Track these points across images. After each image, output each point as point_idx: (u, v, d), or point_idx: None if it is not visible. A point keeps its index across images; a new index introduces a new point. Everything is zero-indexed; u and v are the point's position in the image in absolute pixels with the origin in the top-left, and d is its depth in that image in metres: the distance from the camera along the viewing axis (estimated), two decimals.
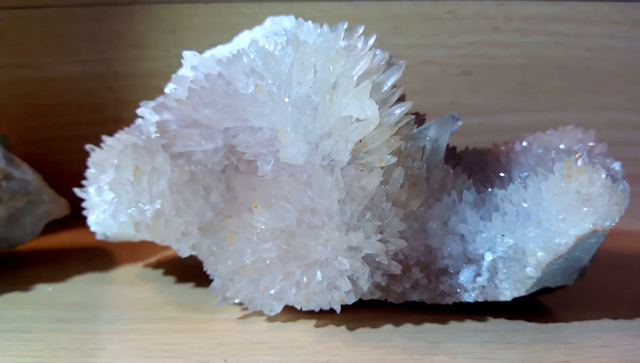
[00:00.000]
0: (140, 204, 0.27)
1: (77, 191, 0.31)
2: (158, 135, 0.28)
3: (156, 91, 0.45)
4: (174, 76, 0.28)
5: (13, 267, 0.34)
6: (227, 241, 0.26)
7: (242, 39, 0.30)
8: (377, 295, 0.27)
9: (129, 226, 0.28)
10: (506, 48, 0.46)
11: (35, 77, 0.45)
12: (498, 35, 0.46)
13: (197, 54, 0.29)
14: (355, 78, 0.24)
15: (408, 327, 0.25)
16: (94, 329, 0.25)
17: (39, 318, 0.26)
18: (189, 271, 0.33)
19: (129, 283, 0.31)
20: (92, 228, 0.29)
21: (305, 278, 0.24)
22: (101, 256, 0.37)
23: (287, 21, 0.30)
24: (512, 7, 0.46)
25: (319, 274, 0.24)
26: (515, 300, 0.25)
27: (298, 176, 0.24)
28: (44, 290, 0.30)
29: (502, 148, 0.32)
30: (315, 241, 0.24)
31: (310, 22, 0.27)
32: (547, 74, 0.47)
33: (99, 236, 0.31)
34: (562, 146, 0.29)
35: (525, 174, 0.27)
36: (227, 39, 0.44)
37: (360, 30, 0.26)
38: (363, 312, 0.26)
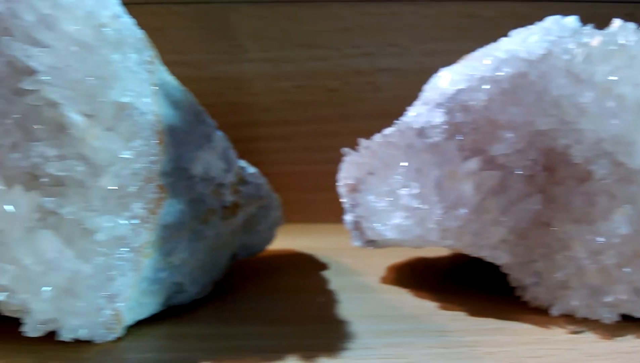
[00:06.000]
0: (448, 210, 0.26)
1: (346, 195, 0.30)
2: (445, 137, 0.27)
3: (326, 92, 0.44)
4: (469, 75, 0.28)
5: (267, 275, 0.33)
6: (560, 249, 0.25)
7: (518, 39, 0.30)
8: None
9: (435, 232, 0.27)
10: None
11: (198, 76, 0.43)
12: None
13: (501, 50, 0.28)
14: None
15: None
16: (432, 343, 0.24)
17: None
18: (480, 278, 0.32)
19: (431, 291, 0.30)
20: (389, 234, 0.28)
21: None
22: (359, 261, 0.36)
23: (570, 22, 0.29)
24: None
25: None
26: None
27: None
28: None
29: None
30: None
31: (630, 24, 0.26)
32: None
33: (361, 244, 0.30)
34: None
35: None
36: (402, 38, 0.43)
37: None
38: None
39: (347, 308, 0.28)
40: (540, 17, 0.34)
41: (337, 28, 0.43)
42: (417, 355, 0.23)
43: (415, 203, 0.27)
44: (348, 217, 0.31)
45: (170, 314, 0.27)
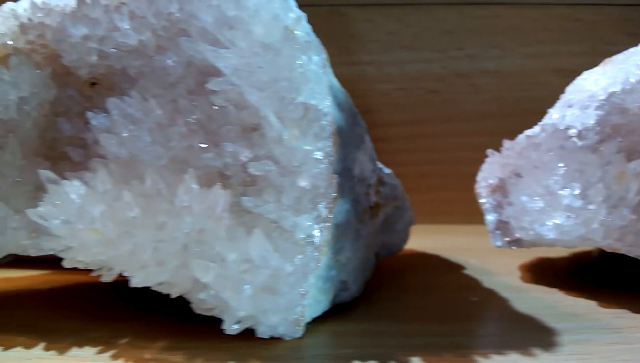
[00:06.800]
0: (612, 210, 0.27)
1: (488, 195, 0.30)
2: (600, 139, 0.28)
3: (427, 94, 0.45)
4: (623, 78, 0.28)
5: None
6: None
7: None
8: None
9: (598, 232, 0.27)
10: None
11: None
12: None
13: None
14: None
15: None
16: None
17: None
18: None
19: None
20: (549, 234, 0.28)
21: None
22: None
23: None
24: None
25: None
26: None
27: None
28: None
29: None
30: None
31: None
32: None
33: (502, 245, 0.31)
34: None
35: None
36: (505, 40, 0.44)
37: None
38: None
39: (506, 307, 0.28)
40: None
41: (441, 31, 0.44)
42: (603, 352, 0.23)
43: (578, 204, 0.27)
44: (490, 217, 0.31)
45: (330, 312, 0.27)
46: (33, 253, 0.25)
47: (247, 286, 0.23)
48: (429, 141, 0.45)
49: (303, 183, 0.23)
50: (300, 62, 0.24)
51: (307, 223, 0.23)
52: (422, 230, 0.42)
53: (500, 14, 0.43)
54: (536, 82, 0.43)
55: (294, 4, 0.25)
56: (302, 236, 0.23)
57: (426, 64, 0.44)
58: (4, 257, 0.26)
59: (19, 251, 0.25)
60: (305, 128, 0.24)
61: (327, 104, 0.25)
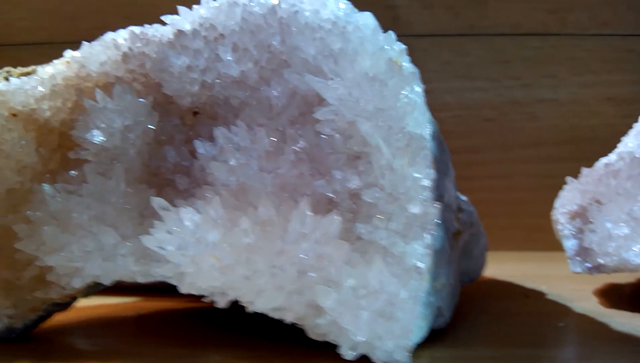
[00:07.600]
0: None
1: (567, 222, 0.31)
2: None
3: (482, 122, 0.46)
4: None
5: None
6: None
7: None
8: None
9: None
10: None
11: None
12: None
13: None
14: None
15: None
16: None
17: None
18: None
19: None
20: (636, 260, 0.29)
21: None
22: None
23: None
24: None
25: None
26: None
27: None
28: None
29: None
30: None
31: None
32: None
33: (582, 270, 0.31)
34: None
35: None
36: (559, 70, 0.45)
37: None
38: None
39: (597, 331, 0.28)
40: None
41: (497, 60, 0.45)
42: None
43: None
44: (570, 243, 0.32)
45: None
46: (141, 279, 0.25)
47: (364, 312, 0.23)
48: (485, 168, 0.45)
49: (415, 209, 0.24)
50: (405, 92, 0.25)
51: (417, 249, 0.24)
52: None
53: (554, 45, 0.44)
54: (589, 110, 0.44)
55: (395, 37, 0.26)
56: (412, 261, 0.24)
57: (482, 93, 0.45)
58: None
59: (127, 278, 0.26)
60: (412, 156, 0.25)
61: (428, 133, 0.26)
